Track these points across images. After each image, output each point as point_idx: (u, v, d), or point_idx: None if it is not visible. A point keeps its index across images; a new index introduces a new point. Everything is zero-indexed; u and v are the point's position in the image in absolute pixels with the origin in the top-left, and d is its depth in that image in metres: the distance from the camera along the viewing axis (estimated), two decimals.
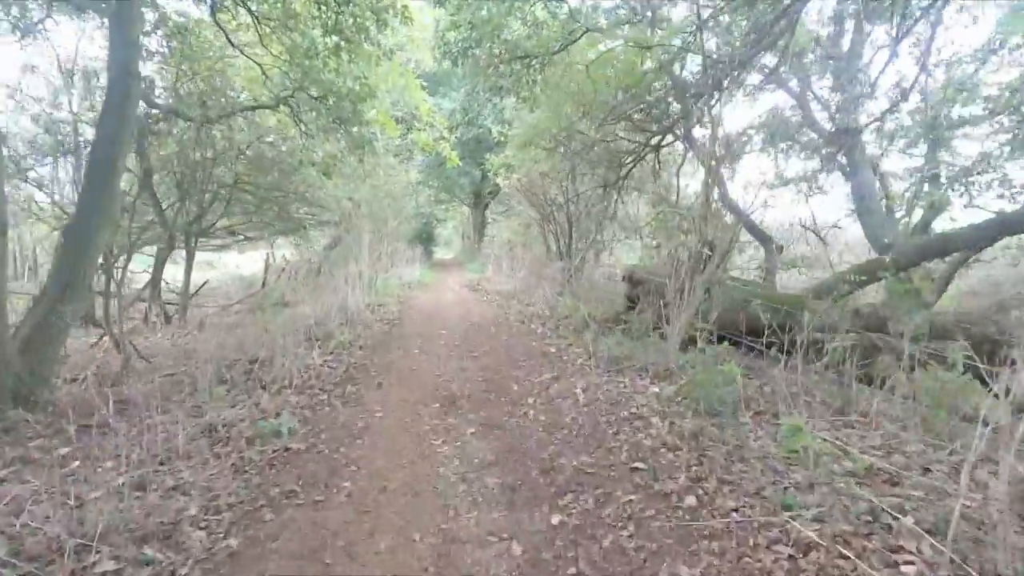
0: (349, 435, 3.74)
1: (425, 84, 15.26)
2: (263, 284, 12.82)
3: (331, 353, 5.96)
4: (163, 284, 8.94)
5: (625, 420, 3.72)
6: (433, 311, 9.30)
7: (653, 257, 10.90)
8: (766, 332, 4.52)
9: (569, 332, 6.62)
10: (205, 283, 9.28)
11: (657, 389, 4.15)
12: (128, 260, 6.13)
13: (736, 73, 5.87)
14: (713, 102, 6.56)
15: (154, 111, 8.11)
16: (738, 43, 6.43)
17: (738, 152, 9.42)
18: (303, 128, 9.19)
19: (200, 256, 14.83)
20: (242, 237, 11.84)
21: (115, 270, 5.73)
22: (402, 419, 4.09)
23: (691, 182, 12.70)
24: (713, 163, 5.52)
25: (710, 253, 5.26)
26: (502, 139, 13.32)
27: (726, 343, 4.77)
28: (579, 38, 8.93)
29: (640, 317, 6.25)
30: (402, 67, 13.13)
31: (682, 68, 8.44)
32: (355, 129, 9.05)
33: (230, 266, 21.16)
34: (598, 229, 11.37)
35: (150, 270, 9.13)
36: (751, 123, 10.30)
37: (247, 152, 9.20)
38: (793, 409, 3.65)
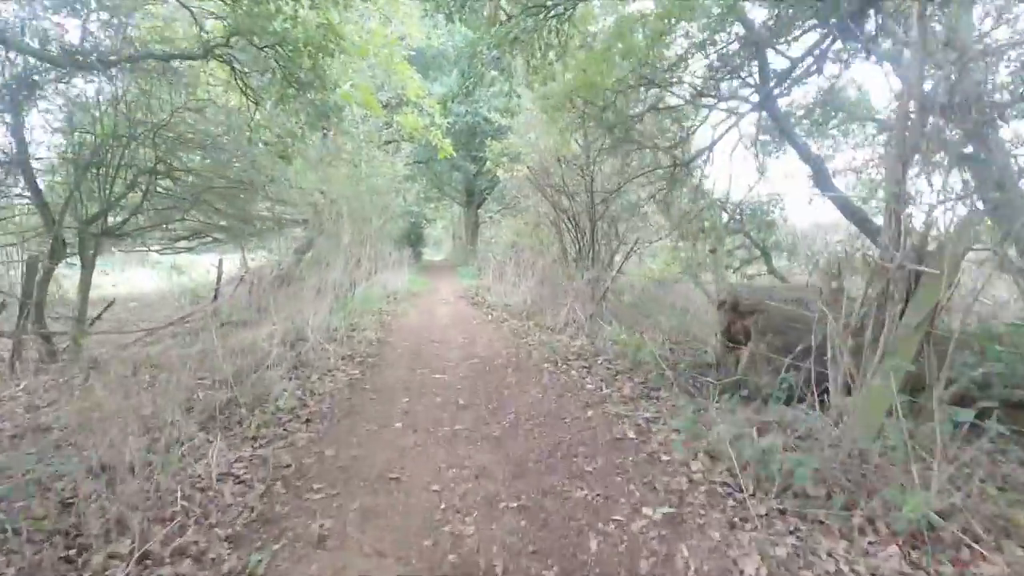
0: None
1: (413, 56, 12.77)
2: (214, 297, 10.22)
3: (254, 439, 3.44)
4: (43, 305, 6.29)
5: None
6: (424, 338, 6.79)
7: (687, 262, 8.63)
8: None
9: (639, 388, 4.17)
10: (110, 304, 6.70)
11: None
12: None
13: None
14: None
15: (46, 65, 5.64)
16: None
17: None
18: (249, 94, 6.67)
19: (168, 260, 12.25)
20: (195, 241, 9.22)
21: None
22: None
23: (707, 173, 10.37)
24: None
25: (918, 267, 2.85)
26: (510, 117, 10.84)
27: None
28: None
29: (755, 368, 3.83)
30: (385, 37, 10.63)
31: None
32: (316, 96, 6.53)
33: (201, 270, 18.41)
34: (625, 229, 8.98)
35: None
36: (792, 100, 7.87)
37: (174, 119, 6.55)
38: None
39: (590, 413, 3.75)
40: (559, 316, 6.78)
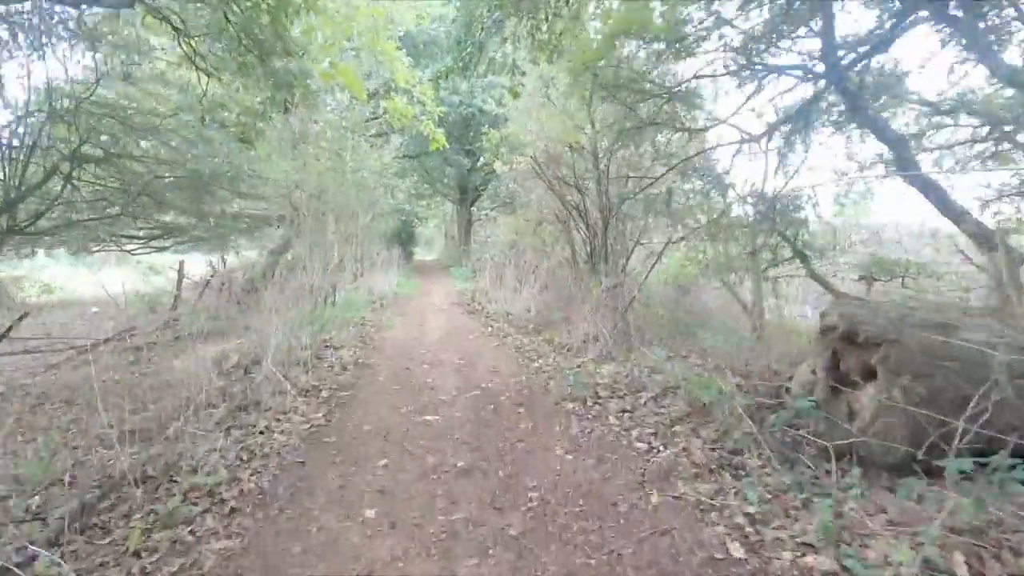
0: None
1: (402, 40, 11.49)
2: (173, 305, 8.84)
3: (136, 555, 2.14)
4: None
5: None
6: (412, 359, 5.50)
7: (717, 265, 7.53)
8: None
9: (712, 449, 2.91)
10: (22, 317, 5.31)
11: None
12: None
13: None
14: None
15: None
16: None
17: None
18: (199, 62, 5.36)
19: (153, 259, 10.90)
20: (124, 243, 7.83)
21: None
22: None
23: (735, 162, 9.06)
24: None
25: None
26: (513, 97, 9.60)
27: None
28: None
29: (884, 425, 2.60)
30: (372, 18, 9.30)
31: None
32: (279, 64, 5.22)
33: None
34: (643, 227, 7.78)
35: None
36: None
37: (104, 92, 5.20)
38: None
39: (655, 499, 2.48)
40: (575, 331, 5.53)
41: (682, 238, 7.91)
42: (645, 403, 3.56)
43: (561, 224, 8.29)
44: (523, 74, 7.86)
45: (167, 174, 6.30)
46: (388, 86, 11.66)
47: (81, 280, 15.82)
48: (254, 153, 6.52)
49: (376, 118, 13.65)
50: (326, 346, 5.78)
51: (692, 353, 4.54)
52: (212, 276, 9.13)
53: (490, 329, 6.93)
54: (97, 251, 10.06)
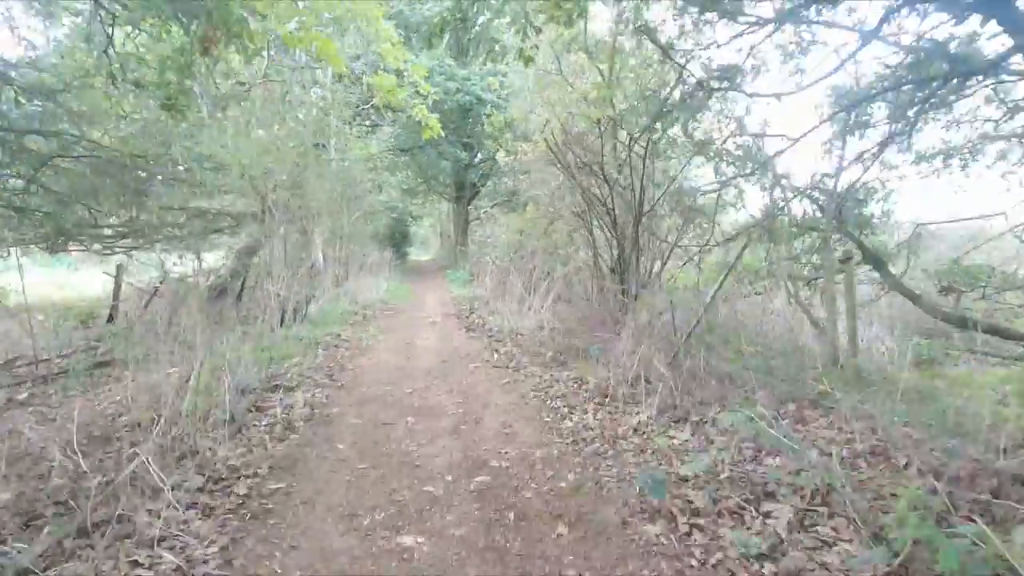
0: None
1: (392, 16, 9.93)
2: (109, 318, 7.17)
3: None
4: None
5: None
6: (392, 410, 3.88)
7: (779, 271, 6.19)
8: None
9: None
10: None
11: None
12: None
13: None
14: None
15: None
16: None
17: None
18: None
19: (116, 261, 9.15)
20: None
21: None
22: None
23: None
24: None
25: None
26: (525, 62, 8.00)
27: None
28: None
29: None
30: None
31: None
32: None
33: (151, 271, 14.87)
34: (682, 225, 6.23)
35: None
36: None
37: None
38: None
39: None
40: (614, 365, 3.93)
41: (746, 245, 6.31)
42: (789, 530, 1.96)
43: (581, 221, 6.70)
44: (539, 32, 6.25)
45: (72, 154, 4.64)
46: (375, 66, 10.06)
47: (57, 282, 14.03)
48: (186, 126, 4.89)
49: (365, 107, 12.04)
50: (275, 385, 4.15)
51: (808, 411, 2.95)
52: (161, 283, 7.46)
53: (496, 355, 5.32)
54: (75, 250, 8.32)
